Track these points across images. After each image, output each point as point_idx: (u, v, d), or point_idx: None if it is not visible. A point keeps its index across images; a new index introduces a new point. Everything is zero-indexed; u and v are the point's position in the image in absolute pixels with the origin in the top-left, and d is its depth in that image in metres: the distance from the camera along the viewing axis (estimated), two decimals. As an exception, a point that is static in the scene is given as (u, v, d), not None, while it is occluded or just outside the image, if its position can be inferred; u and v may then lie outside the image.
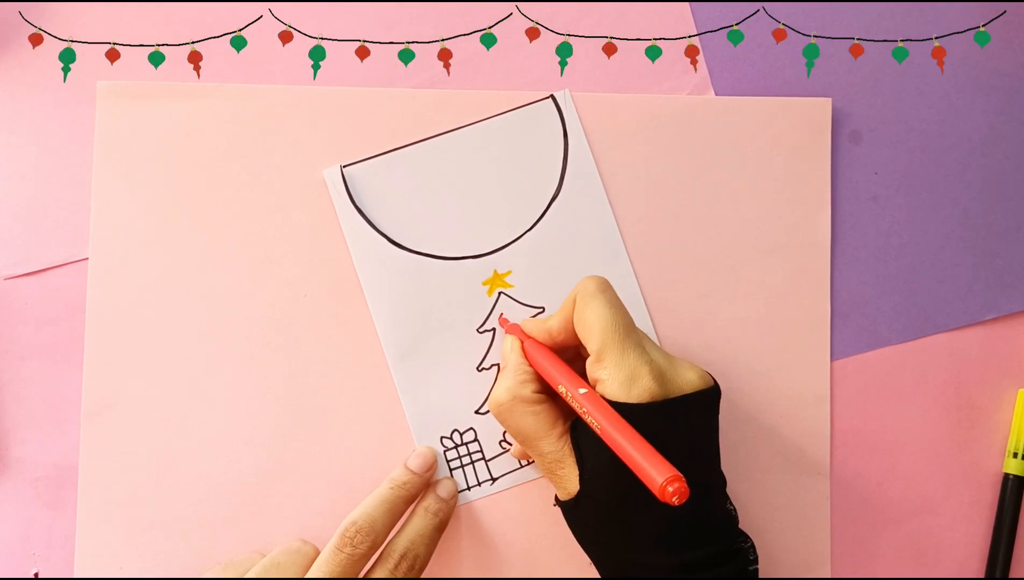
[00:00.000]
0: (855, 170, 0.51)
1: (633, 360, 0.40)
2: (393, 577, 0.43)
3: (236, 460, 0.48)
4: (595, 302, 0.42)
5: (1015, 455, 0.49)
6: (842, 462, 0.49)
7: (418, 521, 0.45)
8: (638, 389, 0.40)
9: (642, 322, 0.49)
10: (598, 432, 0.39)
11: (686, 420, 0.40)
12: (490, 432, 0.48)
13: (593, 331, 0.41)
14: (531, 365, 0.44)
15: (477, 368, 0.48)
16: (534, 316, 0.49)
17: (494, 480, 0.48)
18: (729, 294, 0.50)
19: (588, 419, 0.40)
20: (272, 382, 0.48)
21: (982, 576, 0.49)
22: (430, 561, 0.45)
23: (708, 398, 0.41)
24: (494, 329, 0.49)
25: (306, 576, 0.43)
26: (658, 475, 0.36)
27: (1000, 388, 0.50)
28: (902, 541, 0.49)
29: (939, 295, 0.50)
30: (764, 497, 0.48)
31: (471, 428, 0.48)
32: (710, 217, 0.50)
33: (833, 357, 0.50)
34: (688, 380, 0.41)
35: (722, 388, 0.49)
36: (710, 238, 0.50)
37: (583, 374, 0.43)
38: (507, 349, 0.46)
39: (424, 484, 0.47)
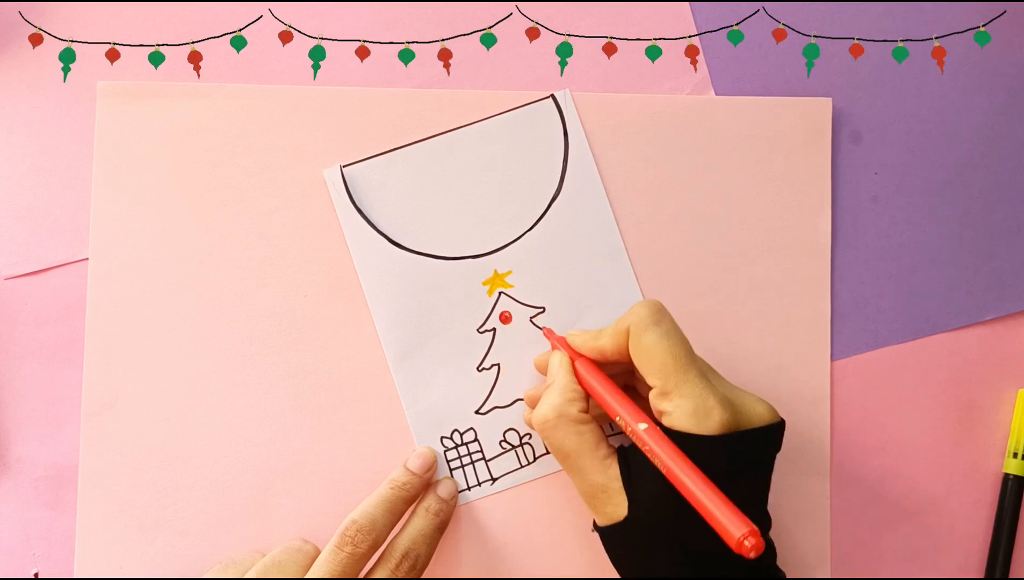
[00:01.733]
0: (855, 170, 0.51)
1: (701, 390, 0.39)
2: (394, 577, 0.43)
3: (236, 460, 0.48)
4: (651, 335, 0.40)
5: (1015, 455, 0.49)
6: (842, 462, 0.49)
7: (419, 521, 0.45)
8: (710, 421, 0.38)
9: (642, 322, 0.49)
10: (664, 472, 0.38)
11: (755, 454, 0.39)
12: (490, 432, 0.48)
13: (653, 364, 0.40)
14: (581, 384, 0.43)
15: (477, 368, 0.48)
16: (534, 317, 0.49)
17: (494, 480, 0.48)
18: (729, 294, 0.50)
19: (652, 457, 0.38)
20: (272, 382, 0.48)
21: (982, 576, 0.49)
22: (431, 561, 0.45)
23: (776, 433, 0.41)
24: (495, 329, 0.49)
25: (307, 575, 0.43)
26: (735, 529, 0.35)
27: (1000, 388, 0.50)
28: (902, 541, 0.49)
29: (939, 295, 0.50)
30: (764, 497, 0.48)
31: (471, 428, 0.48)
32: (710, 217, 0.50)
33: (833, 357, 0.50)
34: (758, 413, 0.40)
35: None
36: (710, 238, 0.50)
37: (630, 392, 0.42)
38: (555, 365, 0.44)
39: (424, 485, 0.47)
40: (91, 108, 0.49)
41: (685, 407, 0.39)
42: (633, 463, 0.40)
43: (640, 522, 0.39)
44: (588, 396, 0.43)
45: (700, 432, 0.38)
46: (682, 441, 0.39)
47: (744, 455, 0.39)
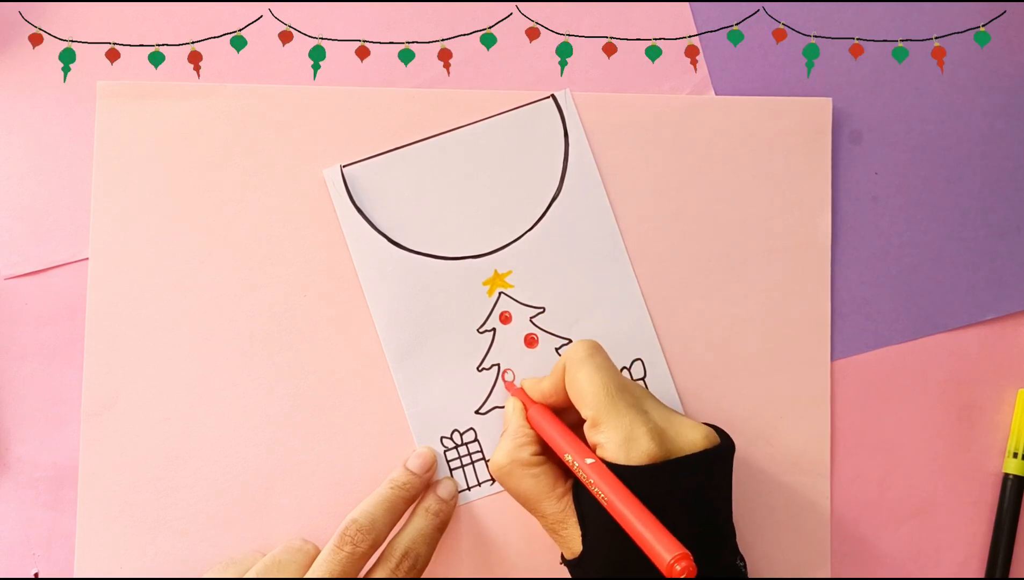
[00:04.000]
0: (855, 170, 0.51)
1: (629, 422, 0.40)
2: (394, 577, 0.43)
3: (236, 460, 0.48)
4: (585, 367, 0.42)
5: (1015, 455, 0.49)
6: (842, 462, 0.49)
7: (419, 521, 0.45)
8: (636, 451, 0.39)
9: (642, 322, 0.49)
10: (604, 505, 0.39)
11: (690, 481, 0.40)
12: (490, 432, 0.48)
13: (586, 395, 0.41)
14: (533, 428, 0.45)
15: (477, 368, 0.48)
16: (533, 317, 0.49)
17: (494, 480, 0.48)
18: (729, 294, 0.50)
19: (595, 491, 0.39)
20: (272, 382, 0.48)
21: (982, 576, 0.49)
22: (431, 561, 0.45)
23: (714, 458, 0.41)
24: (494, 329, 0.49)
25: (306, 575, 0.43)
26: (665, 553, 0.36)
27: (1000, 388, 0.50)
28: (902, 541, 0.49)
29: (939, 295, 0.50)
30: (764, 497, 0.48)
31: (471, 428, 0.48)
32: (710, 217, 0.50)
33: (833, 357, 0.50)
34: (690, 440, 0.41)
35: (722, 388, 0.49)
36: (710, 238, 0.50)
37: (581, 434, 0.43)
38: (509, 411, 0.46)
39: (424, 484, 0.47)
40: (91, 108, 0.49)
41: (614, 438, 0.40)
42: (584, 499, 0.41)
43: (594, 556, 0.40)
44: (541, 440, 0.44)
45: (628, 463, 0.39)
46: (617, 473, 0.39)
47: (677, 483, 0.39)
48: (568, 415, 0.45)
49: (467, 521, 0.48)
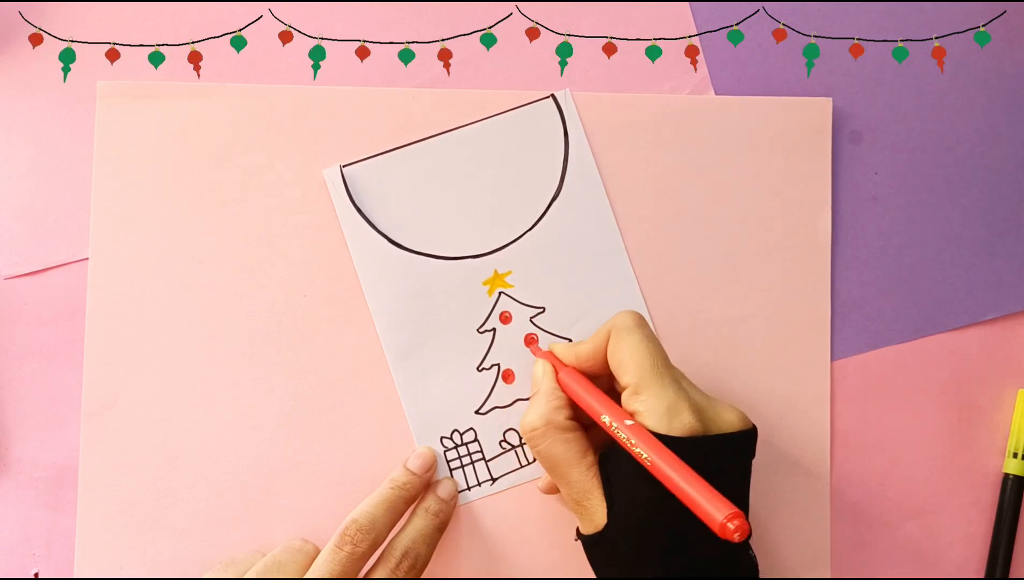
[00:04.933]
0: (855, 170, 0.51)
1: (673, 393, 0.40)
2: (394, 577, 0.43)
3: (236, 460, 0.48)
4: (632, 336, 0.42)
5: (1015, 455, 0.49)
6: (842, 462, 0.49)
7: (418, 521, 0.45)
8: (679, 423, 0.39)
9: (642, 322, 0.49)
10: (647, 466, 0.38)
11: (724, 460, 0.40)
12: (490, 432, 0.48)
13: (631, 364, 0.41)
14: (565, 391, 0.44)
15: (477, 368, 0.48)
16: (533, 317, 0.49)
17: (494, 480, 0.48)
18: (729, 294, 0.50)
19: (636, 451, 0.39)
20: (272, 382, 0.48)
21: (982, 576, 0.49)
22: (430, 561, 0.45)
23: (747, 440, 0.41)
24: (494, 329, 0.49)
25: (306, 575, 0.43)
26: (717, 512, 0.35)
27: (1000, 388, 0.50)
28: (902, 541, 0.49)
29: (939, 295, 0.50)
30: (764, 497, 0.48)
31: (471, 428, 0.48)
32: (710, 217, 0.50)
33: (833, 357, 0.50)
34: (728, 420, 0.41)
35: (722, 388, 0.49)
36: (710, 238, 0.50)
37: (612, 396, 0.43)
38: (539, 373, 0.45)
39: (424, 485, 0.47)
40: (91, 108, 0.49)
41: (656, 407, 0.40)
42: (613, 471, 0.41)
43: (619, 529, 0.40)
44: (573, 404, 0.44)
45: (670, 433, 0.39)
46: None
47: (713, 459, 0.39)
48: (598, 383, 0.44)
49: (467, 521, 0.48)
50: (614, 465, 0.40)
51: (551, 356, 0.46)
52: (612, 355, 0.42)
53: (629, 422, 0.40)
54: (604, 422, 0.41)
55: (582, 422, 0.43)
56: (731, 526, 0.35)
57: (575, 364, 0.45)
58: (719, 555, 0.39)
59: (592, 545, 0.41)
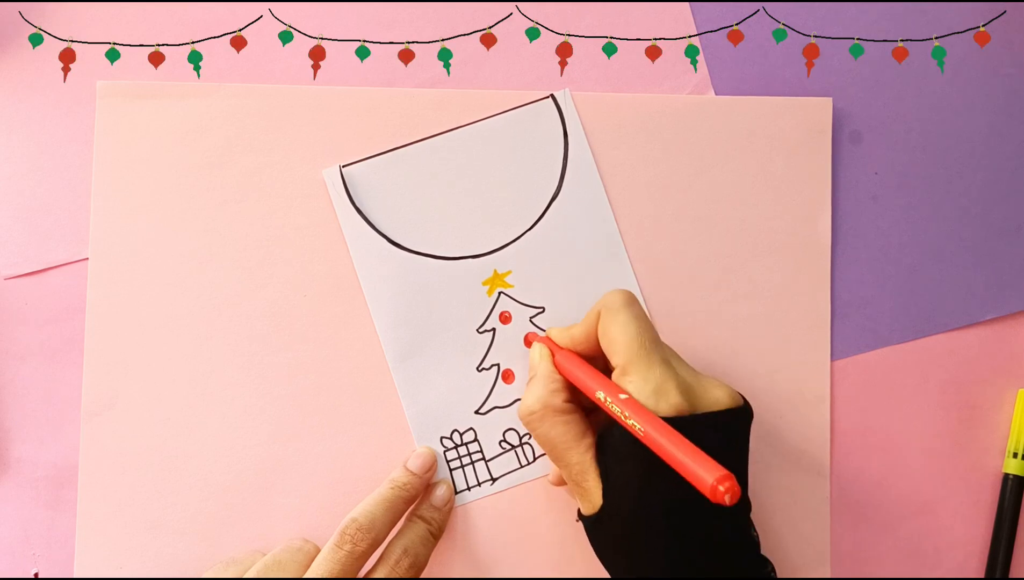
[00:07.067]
0: (855, 170, 0.51)
1: (660, 374, 0.40)
2: (394, 576, 0.43)
3: (236, 460, 0.48)
4: (621, 315, 0.42)
5: (1015, 455, 0.49)
6: (842, 462, 0.49)
7: (414, 527, 0.45)
8: (665, 403, 0.39)
9: (642, 322, 0.49)
10: (640, 437, 0.38)
11: (713, 438, 0.39)
12: (490, 432, 0.48)
13: (619, 344, 0.41)
14: (562, 374, 0.44)
15: (477, 368, 0.48)
16: (533, 317, 0.49)
17: (494, 480, 0.48)
18: (729, 294, 0.50)
19: (630, 423, 0.39)
20: (272, 382, 0.48)
21: (982, 576, 0.49)
22: (429, 562, 0.45)
23: (737, 417, 0.41)
24: (494, 329, 0.49)
25: (306, 574, 0.43)
26: (708, 475, 0.35)
27: (1000, 388, 0.50)
28: (902, 541, 0.49)
29: (939, 295, 0.50)
30: (764, 497, 0.48)
31: (471, 428, 0.48)
32: (710, 217, 0.50)
33: (833, 357, 0.50)
34: (716, 398, 0.41)
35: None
36: (710, 238, 0.50)
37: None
38: (536, 358, 0.45)
39: (424, 485, 0.47)
40: (91, 108, 0.49)
41: (644, 388, 0.40)
42: (610, 450, 0.41)
43: (614, 506, 0.40)
44: (572, 387, 0.44)
45: (656, 413, 0.39)
46: None
47: (702, 438, 0.39)
48: (595, 364, 0.44)
49: (467, 521, 0.48)
50: (610, 444, 0.41)
51: (547, 341, 0.46)
52: (602, 335, 0.42)
53: (623, 395, 0.40)
54: (599, 398, 0.41)
55: (581, 405, 0.43)
56: (721, 488, 0.35)
57: (570, 346, 0.45)
58: (720, 530, 0.39)
59: (591, 525, 0.42)
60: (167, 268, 0.48)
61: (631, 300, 0.43)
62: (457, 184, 0.49)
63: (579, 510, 0.43)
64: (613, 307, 0.42)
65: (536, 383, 0.44)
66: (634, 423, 0.39)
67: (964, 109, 0.51)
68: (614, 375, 0.42)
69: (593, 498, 0.41)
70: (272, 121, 0.49)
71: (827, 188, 0.50)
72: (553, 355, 0.45)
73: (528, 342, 0.48)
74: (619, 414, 0.40)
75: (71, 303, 0.48)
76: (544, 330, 0.49)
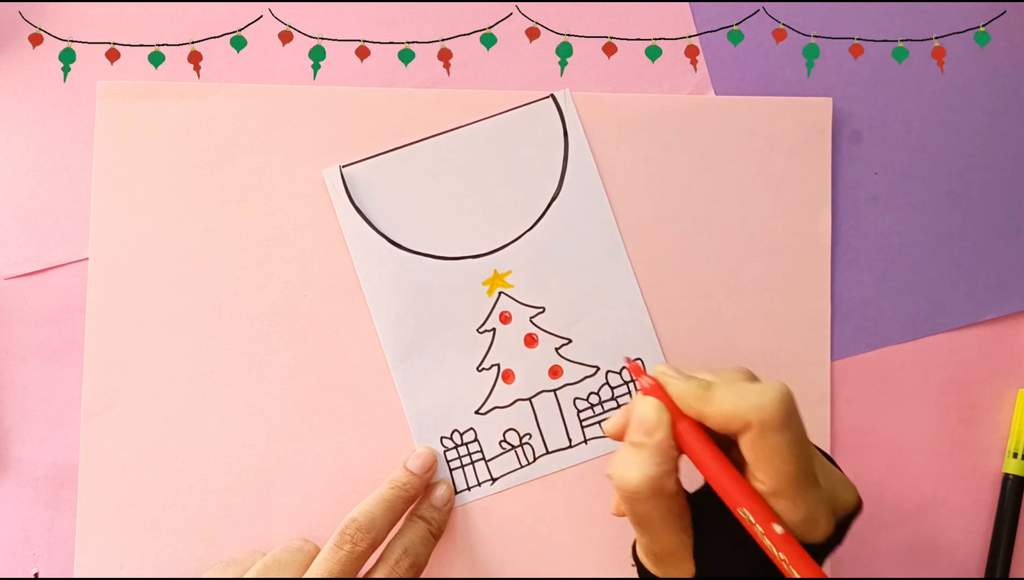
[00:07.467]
0: (855, 170, 0.51)
1: (813, 501, 0.35)
2: (395, 576, 0.43)
3: (236, 460, 0.48)
4: (782, 436, 0.35)
5: (1015, 455, 0.49)
6: (842, 462, 0.49)
7: (414, 527, 0.45)
8: (815, 533, 0.35)
9: (642, 322, 0.49)
10: (783, 570, 0.35)
11: (836, 541, 0.37)
12: (490, 432, 0.48)
13: (776, 468, 0.35)
14: (682, 448, 0.37)
15: (477, 368, 0.48)
16: (533, 317, 0.49)
17: (494, 480, 0.48)
18: (729, 294, 0.50)
19: (784, 566, 0.34)
20: (272, 382, 0.48)
21: (982, 576, 0.49)
22: (429, 562, 0.45)
23: (854, 516, 0.38)
24: (494, 329, 0.49)
25: (306, 574, 0.43)
26: None
27: (1000, 388, 0.50)
28: (902, 541, 0.49)
29: (939, 295, 0.50)
30: (764, 497, 0.48)
31: (471, 428, 0.48)
32: (710, 217, 0.50)
33: (833, 357, 0.50)
34: (845, 503, 0.37)
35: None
36: (710, 238, 0.50)
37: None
38: (651, 418, 0.36)
39: (424, 485, 0.47)
40: (91, 108, 0.49)
41: (794, 517, 0.35)
42: (704, 529, 0.37)
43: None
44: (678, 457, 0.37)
45: (804, 541, 0.35)
46: None
47: (830, 549, 0.37)
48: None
49: (466, 522, 0.48)
50: (706, 521, 0.37)
51: (665, 397, 0.37)
52: (750, 450, 0.35)
53: (779, 529, 0.35)
54: (741, 515, 0.35)
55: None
56: None
57: (697, 418, 0.36)
58: None
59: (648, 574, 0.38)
60: (167, 268, 0.48)
61: (792, 414, 0.35)
62: (457, 184, 0.49)
63: (634, 547, 0.39)
64: (773, 425, 0.34)
65: (647, 456, 0.36)
66: (788, 568, 0.34)
67: (964, 109, 0.51)
68: (762, 491, 0.35)
69: (677, 571, 0.37)
70: (272, 121, 0.49)
71: (827, 188, 0.50)
72: (675, 423, 0.37)
73: (635, 375, 0.39)
74: (768, 547, 0.35)
75: (71, 303, 0.48)
76: (544, 329, 0.49)
